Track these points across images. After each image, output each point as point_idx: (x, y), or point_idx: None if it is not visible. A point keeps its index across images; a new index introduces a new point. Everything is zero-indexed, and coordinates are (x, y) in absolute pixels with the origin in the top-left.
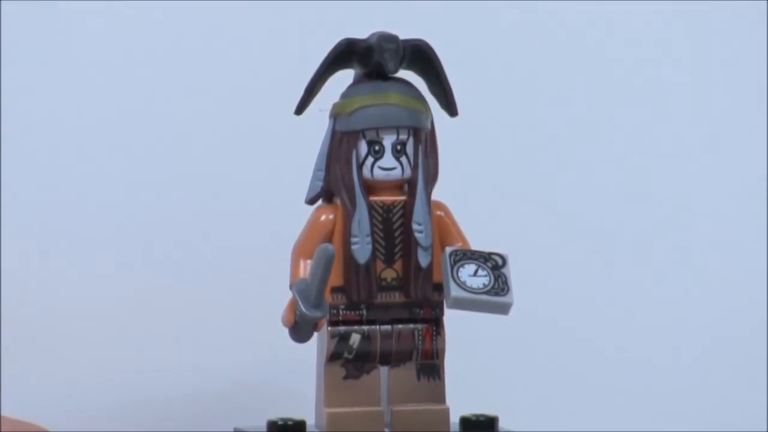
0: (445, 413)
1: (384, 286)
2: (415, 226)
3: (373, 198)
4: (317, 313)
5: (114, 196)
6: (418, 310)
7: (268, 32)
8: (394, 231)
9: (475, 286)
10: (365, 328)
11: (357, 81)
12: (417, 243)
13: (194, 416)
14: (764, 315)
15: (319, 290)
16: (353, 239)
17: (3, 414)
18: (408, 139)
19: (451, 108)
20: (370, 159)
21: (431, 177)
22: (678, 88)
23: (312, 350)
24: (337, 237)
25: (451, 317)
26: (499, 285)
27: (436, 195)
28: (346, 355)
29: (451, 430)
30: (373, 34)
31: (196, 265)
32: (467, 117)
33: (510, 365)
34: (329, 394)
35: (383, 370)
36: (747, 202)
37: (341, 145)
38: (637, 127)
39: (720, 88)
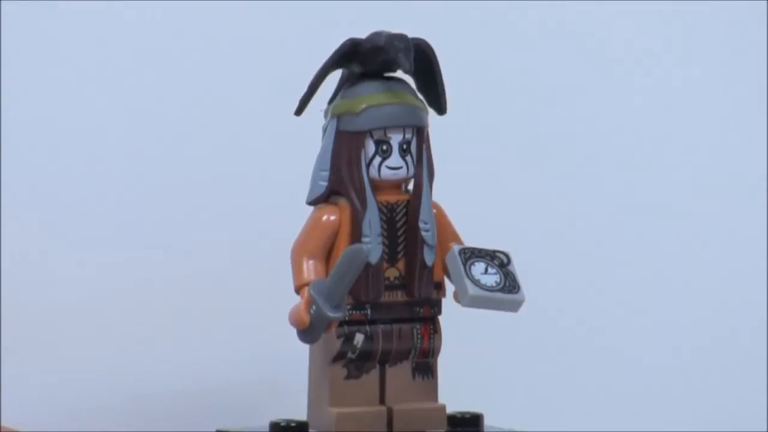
0: (443, 411)
1: (387, 285)
2: (422, 225)
3: (377, 197)
4: (339, 314)
5: (114, 196)
6: (418, 309)
7: (268, 32)
8: (398, 230)
9: (489, 284)
10: (368, 327)
11: (354, 81)
12: (424, 241)
13: (188, 416)
14: (764, 315)
15: (345, 292)
16: (365, 239)
17: (3, 424)
18: (412, 138)
19: (442, 107)
20: (378, 158)
21: (432, 176)
22: (678, 87)
23: (301, 350)
24: (344, 237)
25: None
26: (510, 282)
27: (435, 194)
28: (349, 355)
29: None
30: (376, 34)
31: (196, 265)
32: (466, 117)
33: (498, 362)
34: (334, 394)
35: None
36: (747, 202)
37: (348, 145)
38: (636, 128)
39: (720, 87)
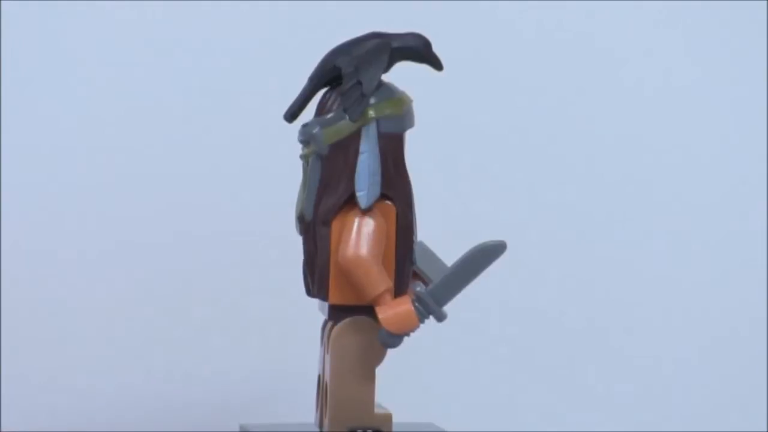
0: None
1: None
2: None
3: None
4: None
5: (114, 196)
6: None
7: (268, 32)
8: None
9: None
10: None
11: (380, 83)
12: None
13: (188, 416)
14: (764, 315)
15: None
16: (414, 238)
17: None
18: None
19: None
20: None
21: None
22: (677, 88)
23: (302, 351)
24: (391, 240)
25: None
26: None
27: (434, 193)
28: None
29: None
30: (403, 36)
31: (196, 265)
32: (466, 117)
33: (499, 361)
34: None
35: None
36: (748, 201)
37: (392, 146)
38: (636, 128)
39: (720, 88)
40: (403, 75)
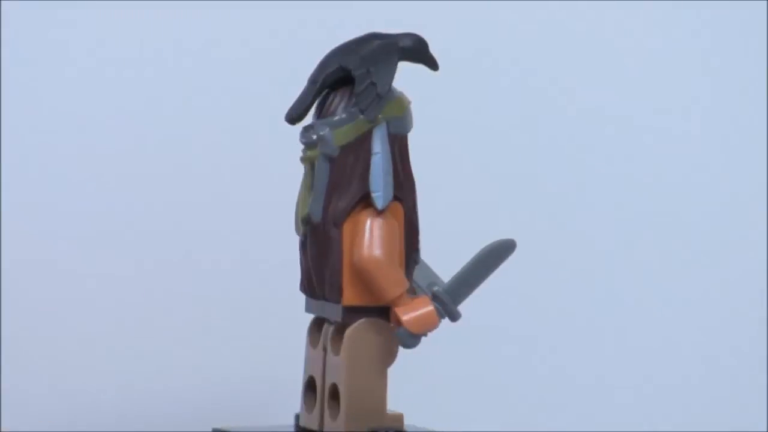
0: None
1: None
2: None
3: None
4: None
5: (114, 196)
6: None
7: (267, 32)
8: None
9: None
10: None
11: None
12: None
13: (188, 416)
14: (764, 315)
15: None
16: (419, 238)
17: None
18: None
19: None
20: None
21: None
22: (678, 86)
23: (300, 351)
24: (401, 237)
25: None
26: None
27: (433, 193)
28: None
29: None
30: (403, 36)
31: (196, 265)
32: (465, 117)
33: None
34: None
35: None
36: (749, 205)
37: (400, 147)
38: (636, 129)
39: (721, 88)
40: (400, 75)
